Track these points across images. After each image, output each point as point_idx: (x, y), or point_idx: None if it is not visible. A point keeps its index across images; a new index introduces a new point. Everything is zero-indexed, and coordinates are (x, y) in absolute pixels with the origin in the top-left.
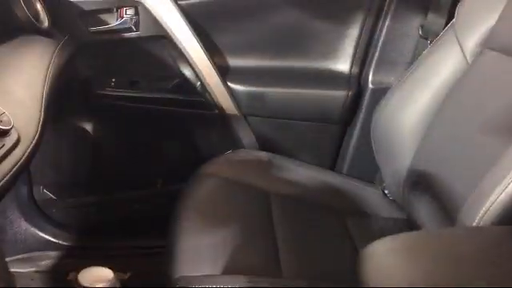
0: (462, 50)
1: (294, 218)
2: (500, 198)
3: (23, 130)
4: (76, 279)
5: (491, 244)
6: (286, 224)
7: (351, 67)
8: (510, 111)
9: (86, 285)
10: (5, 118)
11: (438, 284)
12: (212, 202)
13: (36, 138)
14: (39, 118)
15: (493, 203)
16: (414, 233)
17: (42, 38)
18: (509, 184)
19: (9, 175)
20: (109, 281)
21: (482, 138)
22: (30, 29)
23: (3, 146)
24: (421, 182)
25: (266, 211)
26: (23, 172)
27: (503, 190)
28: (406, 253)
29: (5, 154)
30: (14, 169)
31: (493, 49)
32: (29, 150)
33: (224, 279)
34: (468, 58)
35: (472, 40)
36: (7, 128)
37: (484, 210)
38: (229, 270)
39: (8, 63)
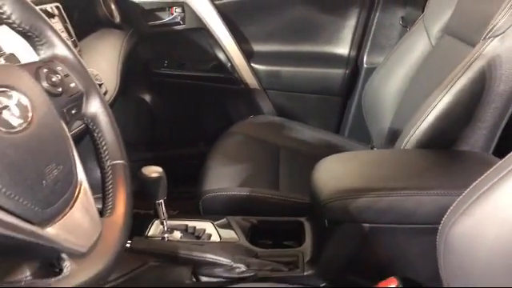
0: (428, 36)
1: (295, 163)
2: (419, 128)
3: (108, 86)
4: (140, 172)
5: (403, 158)
6: (287, 166)
7: (349, 51)
8: (446, 75)
9: (145, 173)
10: (98, 77)
11: (361, 174)
12: (235, 150)
13: (116, 91)
14: (116, 82)
15: (414, 132)
16: (354, 151)
17: (115, 30)
18: (426, 116)
19: None
20: (160, 172)
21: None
22: (107, 23)
23: None
24: (397, 135)
25: (275, 158)
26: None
27: (422, 121)
28: (344, 160)
29: None
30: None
31: (449, 34)
32: (112, 98)
33: (234, 189)
34: (432, 41)
35: (435, 27)
36: (100, 83)
37: (408, 137)
38: (239, 186)
39: (95, 46)
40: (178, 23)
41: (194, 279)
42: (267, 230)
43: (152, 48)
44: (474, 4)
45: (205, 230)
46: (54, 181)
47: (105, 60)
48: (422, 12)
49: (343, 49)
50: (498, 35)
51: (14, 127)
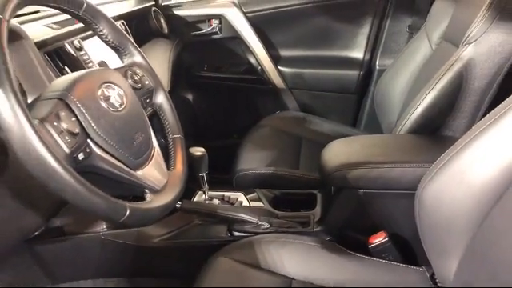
0: (429, 41)
1: (314, 149)
2: (410, 118)
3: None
4: (188, 151)
5: (395, 140)
6: (307, 152)
7: (364, 54)
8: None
9: (192, 152)
10: None
11: (359, 152)
12: (263, 139)
13: (167, 90)
14: (167, 83)
15: (406, 121)
16: (357, 136)
17: (165, 39)
18: (416, 108)
19: None
20: (203, 151)
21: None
22: (158, 34)
23: None
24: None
25: (298, 146)
26: None
27: (413, 112)
28: (347, 142)
29: None
30: None
31: (445, 39)
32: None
33: (262, 168)
34: (432, 46)
35: (436, 34)
36: None
37: (402, 125)
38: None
39: (150, 53)
40: (216, 33)
41: (229, 234)
42: (287, 200)
43: (194, 54)
44: (462, 14)
45: (237, 198)
46: (140, 143)
47: (158, 65)
48: (425, 20)
49: (358, 53)
50: (472, 42)
51: (117, 108)
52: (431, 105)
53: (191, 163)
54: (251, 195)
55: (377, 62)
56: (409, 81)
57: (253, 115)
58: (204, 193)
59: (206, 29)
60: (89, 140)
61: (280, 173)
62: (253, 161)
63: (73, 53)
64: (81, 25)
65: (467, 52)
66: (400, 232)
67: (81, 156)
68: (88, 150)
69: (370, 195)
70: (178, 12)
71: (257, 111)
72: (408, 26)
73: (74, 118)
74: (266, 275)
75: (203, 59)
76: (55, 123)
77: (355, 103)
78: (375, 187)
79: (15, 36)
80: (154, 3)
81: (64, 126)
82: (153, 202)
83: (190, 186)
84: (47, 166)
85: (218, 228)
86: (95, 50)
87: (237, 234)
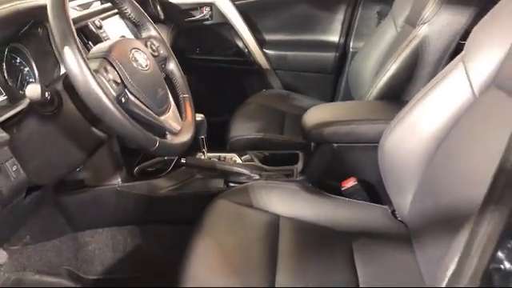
0: (395, 25)
1: (296, 119)
2: (376, 87)
3: None
4: None
5: (363, 104)
6: (290, 121)
7: (339, 38)
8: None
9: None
10: None
11: (333, 114)
12: (252, 113)
13: None
14: None
15: (373, 90)
16: (331, 103)
17: (161, 24)
18: (381, 78)
19: None
20: (202, 117)
21: None
22: (155, 20)
23: None
24: None
25: (282, 118)
26: None
27: (379, 82)
28: (323, 107)
29: None
30: None
31: (407, 23)
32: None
33: (252, 134)
34: (398, 29)
35: (400, 19)
36: None
37: (369, 93)
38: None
39: None
40: (207, 19)
41: (226, 185)
42: (274, 159)
43: (187, 39)
44: (420, 1)
45: (232, 158)
46: (161, 96)
47: None
48: (391, 8)
49: (334, 37)
50: (426, 22)
51: (144, 68)
52: (393, 75)
53: None
54: (244, 157)
55: (351, 45)
56: (377, 60)
57: (241, 94)
58: (203, 153)
59: (198, 15)
60: (126, 89)
61: (268, 137)
62: (244, 129)
63: (94, 30)
64: (99, 7)
65: (422, 31)
66: (367, 177)
67: (123, 100)
68: (126, 97)
69: (342, 148)
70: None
71: (244, 90)
72: (377, 13)
73: (115, 72)
74: (259, 213)
75: (196, 43)
76: (104, 74)
77: (332, 82)
78: (346, 141)
79: None
80: None
81: (110, 76)
82: (173, 140)
83: (191, 149)
84: (103, 103)
85: (216, 181)
86: (112, 28)
87: (232, 185)
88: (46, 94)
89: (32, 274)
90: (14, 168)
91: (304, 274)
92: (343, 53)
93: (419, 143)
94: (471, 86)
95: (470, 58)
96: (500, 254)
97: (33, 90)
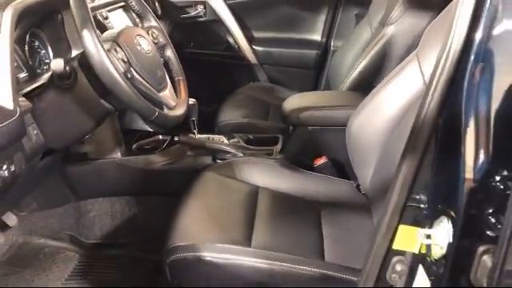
0: (370, 27)
1: (279, 110)
2: (349, 79)
3: None
4: None
5: (336, 94)
6: (275, 111)
7: (321, 37)
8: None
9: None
10: None
11: (308, 101)
12: (239, 102)
13: None
14: None
15: (346, 82)
16: (308, 92)
17: (159, 20)
18: (354, 71)
19: None
20: (194, 101)
21: None
22: None
23: None
24: None
25: (266, 107)
26: None
27: (351, 74)
28: (301, 95)
29: None
30: None
31: (381, 24)
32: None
33: (238, 119)
34: (372, 30)
35: (375, 21)
36: None
37: (343, 84)
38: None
39: None
40: (200, 16)
41: (213, 161)
42: (257, 141)
43: (182, 34)
44: (390, 6)
45: (220, 139)
46: (160, 76)
47: None
48: (368, 11)
49: (317, 36)
50: (393, 23)
51: (146, 51)
52: (364, 69)
53: None
54: (231, 140)
55: (331, 44)
56: (353, 57)
57: (230, 85)
58: (194, 134)
59: (193, 12)
60: (131, 68)
61: (252, 122)
62: (232, 114)
63: (101, 20)
64: (106, 0)
65: (389, 30)
66: (336, 156)
67: (129, 75)
68: (132, 74)
69: (315, 130)
70: None
71: (234, 82)
72: (355, 15)
73: (123, 53)
74: (241, 183)
75: (190, 38)
76: (114, 53)
77: (313, 77)
78: (319, 124)
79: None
80: None
81: (119, 55)
82: (169, 113)
83: (183, 129)
84: (113, 77)
85: (205, 158)
86: (116, 19)
87: (219, 161)
88: (67, 68)
89: (37, 237)
90: (35, 132)
91: (276, 233)
92: (324, 51)
93: (380, 125)
94: (423, 77)
95: (423, 54)
96: (416, 196)
97: (57, 64)
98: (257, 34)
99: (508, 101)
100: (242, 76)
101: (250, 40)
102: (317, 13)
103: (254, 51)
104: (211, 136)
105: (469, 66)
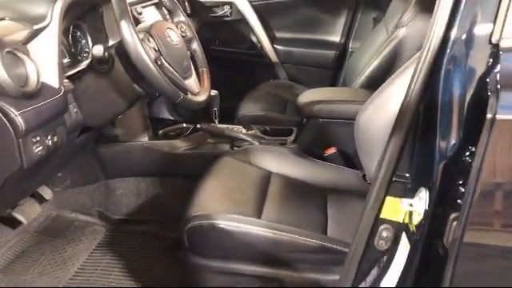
0: (386, 29)
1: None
2: (361, 77)
3: None
4: None
5: (349, 90)
6: (291, 107)
7: (340, 39)
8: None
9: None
10: None
11: (323, 95)
12: (260, 97)
13: None
14: None
15: (359, 79)
16: (321, 87)
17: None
18: (366, 70)
19: None
20: (216, 92)
21: None
22: None
23: None
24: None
25: (283, 106)
26: None
27: (364, 73)
28: (315, 90)
29: None
30: None
31: (396, 27)
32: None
33: (258, 112)
34: (388, 33)
35: (391, 24)
36: None
37: (356, 81)
38: (261, 110)
39: None
40: (227, 16)
41: (231, 148)
42: (273, 133)
43: (209, 31)
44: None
45: (238, 129)
46: (186, 65)
47: None
48: (385, 14)
49: (336, 37)
50: (405, 25)
51: (175, 43)
52: (375, 68)
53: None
54: (250, 132)
55: (350, 45)
56: (369, 58)
57: (252, 82)
58: (215, 123)
59: (219, 12)
60: (161, 56)
61: (270, 115)
62: (251, 108)
63: (136, 15)
64: None
65: (401, 32)
66: (345, 148)
67: (159, 62)
68: (161, 61)
69: (326, 123)
70: None
71: (255, 79)
72: (373, 18)
73: (154, 42)
74: (255, 168)
75: (215, 36)
76: (147, 42)
77: (331, 76)
78: (330, 117)
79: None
80: None
81: (151, 45)
82: (193, 98)
83: (205, 119)
84: (146, 63)
85: (224, 145)
86: (149, 15)
87: (236, 148)
88: (106, 53)
89: (69, 212)
90: (75, 110)
91: (284, 210)
92: (343, 51)
93: (386, 118)
94: None
95: None
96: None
97: (98, 49)
98: (279, 34)
99: (477, 88)
100: (263, 74)
101: (272, 39)
102: (337, 15)
103: (276, 50)
104: (230, 126)
105: (445, 59)
